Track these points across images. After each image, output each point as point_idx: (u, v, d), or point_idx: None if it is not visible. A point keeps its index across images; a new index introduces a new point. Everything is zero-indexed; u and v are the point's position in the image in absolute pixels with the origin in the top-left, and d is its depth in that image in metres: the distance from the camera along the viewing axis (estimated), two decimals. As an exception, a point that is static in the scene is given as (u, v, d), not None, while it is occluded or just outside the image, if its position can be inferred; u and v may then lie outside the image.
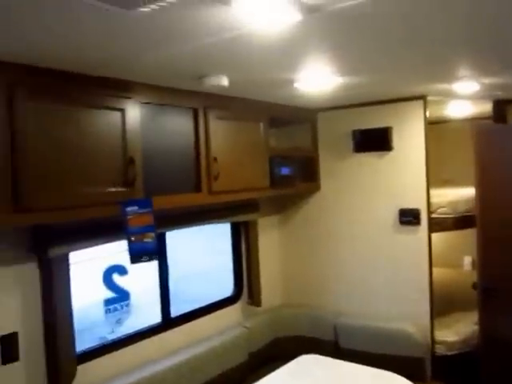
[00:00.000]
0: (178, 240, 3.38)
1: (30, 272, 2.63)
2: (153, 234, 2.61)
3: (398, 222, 3.85)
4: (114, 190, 2.52)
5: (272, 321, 4.04)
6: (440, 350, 3.79)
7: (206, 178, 3.06)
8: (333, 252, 4.18)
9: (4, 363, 2.52)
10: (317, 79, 2.71)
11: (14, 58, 2.08)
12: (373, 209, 3.97)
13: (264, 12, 1.59)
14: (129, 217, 2.55)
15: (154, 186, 2.74)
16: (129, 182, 2.58)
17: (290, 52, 2.17)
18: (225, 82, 2.59)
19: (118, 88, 2.56)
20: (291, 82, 2.79)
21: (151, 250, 2.60)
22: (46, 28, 1.74)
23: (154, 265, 3.18)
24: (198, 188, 3.03)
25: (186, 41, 1.89)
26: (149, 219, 2.61)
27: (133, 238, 2.56)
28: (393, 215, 3.88)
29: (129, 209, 2.55)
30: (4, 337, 2.52)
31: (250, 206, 3.85)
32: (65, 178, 2.30)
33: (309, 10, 1.60)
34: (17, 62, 2.13)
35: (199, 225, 3.46)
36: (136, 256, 2.56)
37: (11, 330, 2.54)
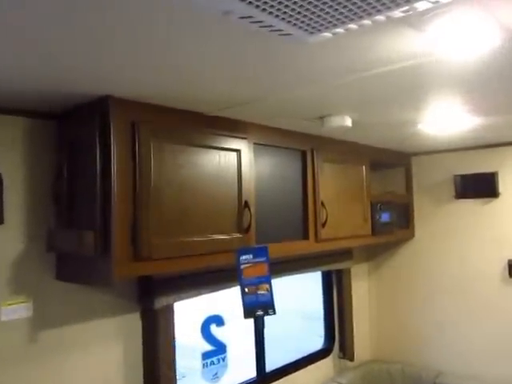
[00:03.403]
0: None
1: (132, 323, 2.32)
2: (268, 286, 2.26)
3: (506, 275, 3.37)
4: (229, 237, 2.21)
5: (365, 377, 3.57)
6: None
7: (314, 225, 2.71)
8: (429, 304, 3.70)
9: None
10: (446, 119, 2.36)
11: (137, 96, 1.84)
12: (476, 259, 3.50)
13: (461, 38, 1.27)
14: (243, 266, 2.22)
15: (264, 232, 2.42)
16: (244, 229, 2.27)
17: (441, 83, 1.83)
18: (348, 122, 2.28)
19: (235, 128, 2.28)
20: (415, 122, 2.45)
21: (266, 304, 2.24)
22: (174, 68, 1.52)
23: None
24: (305, 235, 2.68)
25: (347, 72, 1.58)
26: (264, 269, 2.26)
27: (246, 290, 2.22)
28: (500, 267, 3.40)
29: (243, 257, 2.22)
30: (105, 394, 2.20)
31: (345, 253, 3.47)
32: (185, 224, 2.02)
33: (513, 33, 1.28)
34: (140, 100, 1.89)
35: (296, 274, 3.09)
36: (250, 310, 2.21)
37: (114, 387, 2.22)
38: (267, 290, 2.26)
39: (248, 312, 2.21)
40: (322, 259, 3.27)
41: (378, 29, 1.19)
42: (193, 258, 2.06)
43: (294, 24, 1.15)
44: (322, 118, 2.29)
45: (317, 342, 3.58)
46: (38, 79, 1.57)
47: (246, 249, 2.24)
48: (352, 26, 1.16)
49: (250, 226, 2.28)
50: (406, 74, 1.60)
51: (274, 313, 2.25)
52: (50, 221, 2.03)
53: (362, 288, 3.91)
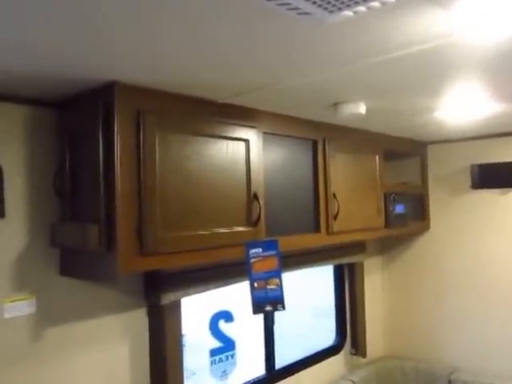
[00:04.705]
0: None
1: (138, 319, 2.30)
2: (278, 281, 2.23)
3: (525, 268, 3.32)
4: (238, 229, 2.17)
5: (377, 374, 3.54)
6: None
7: (325, 217, 2.67)
8: (444, 299, 3.66)
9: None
10: (465, 106, 2.30)
11: (144, 83, 1.80)
12: (495, 251, 3.45)
13: (488, 16, 1.22)
14: (252, 260, 2.19)
15: (274, 225, 2.38)
16: (253, 221, 2.23)
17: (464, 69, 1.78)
18: (362, 109, 2.22)
19: (243, 117, 2.24)
20: (432, 110, 2.40)
21: (275, 299, 2.21)
22: (184, 52, 1.47)
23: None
24: (317, 228, 2.64)
25: (365, 56, 1.53)
26: (274, 263, 2.23)
27: (256, 285, 2.19)
28: (518, 260, 3.35)
29: (253, 251, 2.19)
30: (112, 393, 2.19)
31: (358, 246, 3.43)
32: (192, 217, 1.98)
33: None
34: (146, 87, 1.85)
35: (307, 267, 3.06)
36: (259, 305, 2.18)
37: (120, 385, 2.21)
38: (277, 285, 2.22)
39: (257, 307, 2.18)
40: (334, 252, 3.23)
41: (401, 7, 1.14)
42: (200, 252, 2.02)
43: (314, 2, 1.10)
44: (335, 105, 2.24)
45: (328, 338, 3.54)
46: (39, 64, 1.53)
47: (255, 242, 2.20)
48: (374, 3, 1.11)
49: (259, 218, 2.24)
50: (427, 57, 1.55)
51: (284, 308, 2.22)
52: (52, 214, 2.00)
53: (374, 282, 3.87)
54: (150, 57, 1.51)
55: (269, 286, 2.22)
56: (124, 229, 1.76)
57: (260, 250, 2.21)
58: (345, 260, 3.34)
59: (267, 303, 2.20)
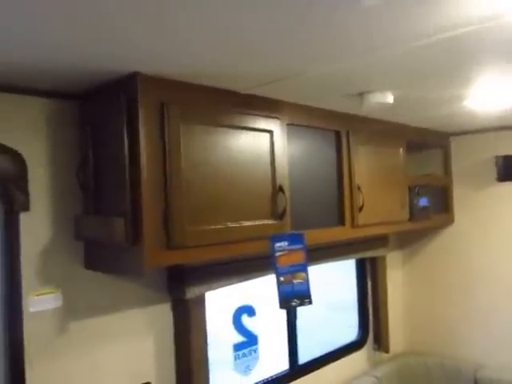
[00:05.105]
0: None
1: (163, 314, 2.29)
2: (304, 275, 2.20)
3: (553, 262, 3.25)
4: (263, 222, 2.14)
5: (400, 370, 3.50)
6: None
7: (350, 210, 2.63)
8: (468, 294, 3.59)
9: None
10: (497, 95, 2.25)
11: (167, 74, 1.78)
12: (521, 245, 3.39)
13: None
14: (278, 254, 2.16)
15: (299, 218, 2.35)
16: (278, 214, 2.20)
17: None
18: (390, 99, 2.18)
19: (267, 108, 2.21)
20: (460, 98, 2.34)
21: (302, 293, 2.18)
22: (212, 41, 1.44)
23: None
24: (341, 221, 2.60)
25: (401, 41, 1.49)
26: (300, 257, 2.20)
27: (282, 279, 2.16)
28: (546, 253, 3.28)
29: (278, 245, 2.16)
30: (137, 388, 2.18)
31: (381, 239, 3.38)
32: (217, 209, 1.95)
33: None
34: (169, 78, 1.82)
35: (330, 261, 3.03)
36: (286, 300, 2.15)
37: (145, 381, 2.20)
38: (303, 279, 2.19)
39: (284, 302, 2.15)
40: (358, 246, 3.19)
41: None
42: (227, 246, 2.00)
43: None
44: (361, 94, 2.20)
45: (346, 333, 3.50)
46: (61, 57, 1.52)
47: (280, 236, 2.17)
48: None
49: (284, 211, 2.21)
50: (464, 41, 1.50)
51: (311, 303, 2.18)
52: (76, 207, 1.99)
53: (395, 276, 3.81)
54: (173, 49, 1.48)
55: (295, 280, 2.19)
56: (150, 222, 1.74)
57: (286, 243, 2.17)
58: (368, 254, 3.30)
59: (294, 298, 2.17)
